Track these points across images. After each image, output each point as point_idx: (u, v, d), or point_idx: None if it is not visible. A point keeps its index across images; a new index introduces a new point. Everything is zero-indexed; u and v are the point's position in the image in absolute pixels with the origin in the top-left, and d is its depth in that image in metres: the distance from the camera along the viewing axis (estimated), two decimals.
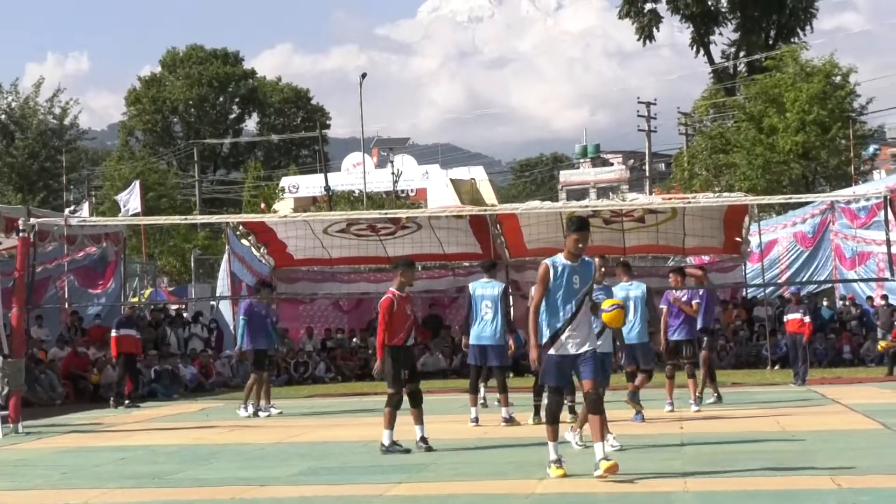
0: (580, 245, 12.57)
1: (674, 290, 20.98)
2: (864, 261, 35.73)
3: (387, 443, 15.55)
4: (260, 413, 22.71)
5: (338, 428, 20.07)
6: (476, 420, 19.03)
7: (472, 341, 19.45)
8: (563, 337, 12.48)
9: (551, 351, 12.54)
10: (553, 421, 12.63)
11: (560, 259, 12.65)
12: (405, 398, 15.81)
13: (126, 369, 27.09)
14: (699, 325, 21.50)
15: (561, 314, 12.51)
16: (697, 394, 20.90)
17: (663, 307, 20.93)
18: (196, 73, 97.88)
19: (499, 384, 19.36)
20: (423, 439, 15.69)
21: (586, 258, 12.76)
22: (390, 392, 15.78)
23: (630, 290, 18.77)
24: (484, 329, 19.20)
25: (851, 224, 36.30)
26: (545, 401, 13.62)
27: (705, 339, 22.17)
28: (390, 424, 15.57)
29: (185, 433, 20.02)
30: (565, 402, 19.28)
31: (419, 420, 15.80)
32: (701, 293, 21.55)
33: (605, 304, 13.69)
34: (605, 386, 14.35)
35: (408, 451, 15.46)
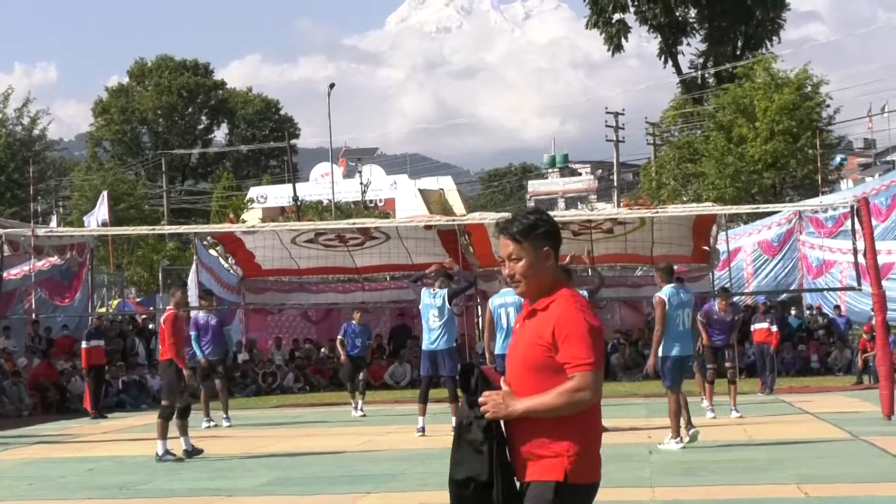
0: None
1: (714, 307, 22.38)
2: (828, 270, 35.90)
3: (161, 452, 16.38)
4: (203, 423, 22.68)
5: (305, 438, 20.02)
6: (422, 430, 18.90)
7: (423, 349, 19.31)
8: None
9: None
10: None
11: None
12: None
13: (97, 380, 27.03)
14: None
15: None
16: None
17: (702, 320, 21.90)
18: (165, 84, 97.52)
19: (450, 393, 19.06)
20: (188, 451, 16.69)
21: None
22: (164, 404, 16.65)
23: None
24: (433, 337, 19.01)
25: (818, 233, 36.45)
26: None
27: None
28: (163, 435, 16.45)
29: (152, 444, 19.90)
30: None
31: (185, 431, 16.80)
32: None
33: None
34: None
35: (181, 459, 16.40)
